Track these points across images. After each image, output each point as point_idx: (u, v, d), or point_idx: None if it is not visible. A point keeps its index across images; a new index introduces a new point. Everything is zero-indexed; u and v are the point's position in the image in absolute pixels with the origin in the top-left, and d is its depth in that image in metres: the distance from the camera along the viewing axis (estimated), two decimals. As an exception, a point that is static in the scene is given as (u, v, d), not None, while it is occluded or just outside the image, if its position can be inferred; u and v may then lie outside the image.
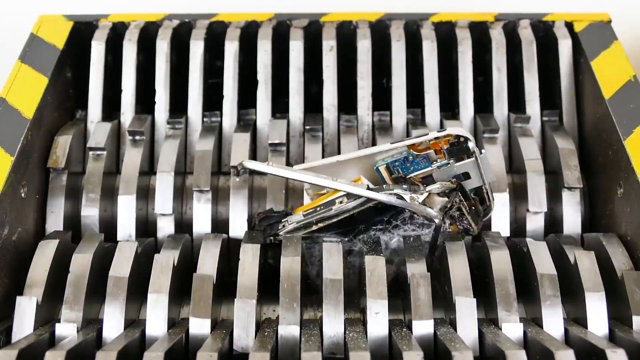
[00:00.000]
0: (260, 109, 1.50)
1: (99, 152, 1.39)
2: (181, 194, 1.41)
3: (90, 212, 1.34)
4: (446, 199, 1.17)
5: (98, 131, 1.42)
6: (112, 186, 1.41)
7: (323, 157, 1.44)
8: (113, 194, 1.40)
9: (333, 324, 1.11)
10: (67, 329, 1.12)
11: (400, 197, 1.15)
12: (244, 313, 1.12)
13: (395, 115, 1.50)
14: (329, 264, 1.16)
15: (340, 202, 1.21)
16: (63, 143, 1.40)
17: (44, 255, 1.19)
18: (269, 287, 1.20)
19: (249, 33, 1.55)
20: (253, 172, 1.40)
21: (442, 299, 1.20)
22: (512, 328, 1.12)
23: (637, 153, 1.27)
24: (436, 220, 1.15)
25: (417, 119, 1.51)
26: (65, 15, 1.56)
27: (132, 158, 1.39)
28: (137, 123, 1.45)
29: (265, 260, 1.27)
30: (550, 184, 1.41)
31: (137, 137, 1.42)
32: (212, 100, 1.53)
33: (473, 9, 1.59)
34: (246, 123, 1.50)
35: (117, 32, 1.55)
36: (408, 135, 1.48)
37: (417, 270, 1.15)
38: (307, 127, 1.47)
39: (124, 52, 1.52)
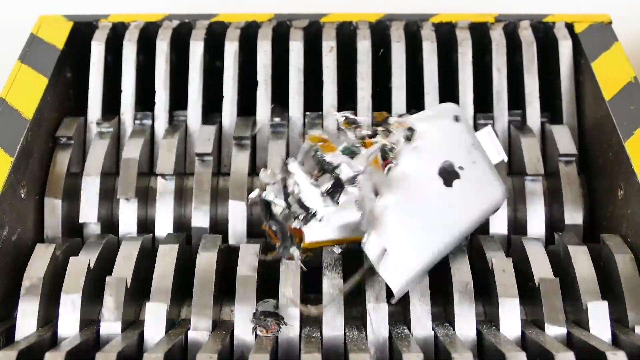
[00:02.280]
0: (260, 110, 1.50)
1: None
2: (181, 195, 1.41)
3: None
4: None
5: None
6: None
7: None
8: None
9: (333, 325, 1.12)
10: (67, 330, 1.12)
11: None
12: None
13: (395, 116, 1.49)
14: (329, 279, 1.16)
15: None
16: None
17: (42, 258, 1.19)
18: (267, 286, 1.21)
19: (248, 33, 1.55)
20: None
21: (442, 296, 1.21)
22: (511, 329, 1.13)
23: (638, 155, 1.27)
24: None
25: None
26: (65, 16, 1.55)
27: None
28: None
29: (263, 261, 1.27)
30: (549, 184, 1.41)
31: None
32: (212, 101, 1.53)
33: (473, 10, 1.59)
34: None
35: (117, 33, 1.55)
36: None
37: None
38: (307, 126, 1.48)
39: (123, 52, 1.52)
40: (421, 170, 1.19)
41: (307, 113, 1.50)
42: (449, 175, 1.20)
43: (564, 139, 1.41)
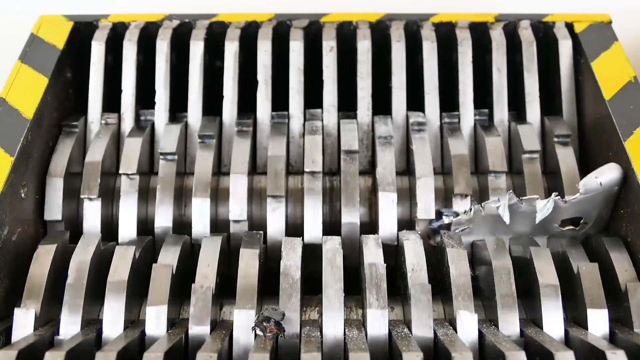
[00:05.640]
0: (260, 109, 1.50)
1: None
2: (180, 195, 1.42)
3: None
4: None
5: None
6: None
7: (323, 157, 1.43)
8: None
9: (333, 325, 1.12)
10: (67, 330, 1.12)
11: None
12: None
13: (395, 116, 1.50)
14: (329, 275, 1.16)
15: None
16: None
17: (43, 258, 1.19)
18: (268, 288, 1.21)
19: (249, 33, 1.55)
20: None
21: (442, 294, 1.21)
22: (511, 329, 1.13)
23: (637, 154, 1.27)
24: None
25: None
26: (65, 16, 1.56)
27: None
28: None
29: (265, 262, 1.27)
30: (549, 183, 1.41)
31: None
32: (212, 101, 1.53)
33: (473, 10, 1.59)
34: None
35: (117, 32, 1.55)
36: (408, 134, 1.48)
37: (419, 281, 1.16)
38: (307, 128, 1.47)
39: (124, 52, 1.52)
40: None
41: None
42: None
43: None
